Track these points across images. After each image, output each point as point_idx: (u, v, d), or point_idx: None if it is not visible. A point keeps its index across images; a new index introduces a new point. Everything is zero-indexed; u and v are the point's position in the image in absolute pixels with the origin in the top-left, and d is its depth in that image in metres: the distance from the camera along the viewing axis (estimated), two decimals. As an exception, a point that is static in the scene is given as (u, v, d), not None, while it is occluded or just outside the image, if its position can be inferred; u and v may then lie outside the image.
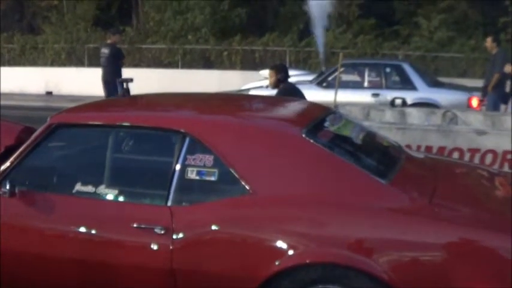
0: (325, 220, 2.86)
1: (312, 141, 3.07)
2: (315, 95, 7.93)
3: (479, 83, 10.34)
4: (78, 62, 18.78)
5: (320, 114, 3.58)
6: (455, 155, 5.44)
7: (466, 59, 16.00)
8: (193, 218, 2.96)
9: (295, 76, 10.28)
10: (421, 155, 4.10)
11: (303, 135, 3.08)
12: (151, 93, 4.60)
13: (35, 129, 3.59)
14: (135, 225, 2.99)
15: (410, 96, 9.40)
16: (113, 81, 9.12)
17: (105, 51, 10.25)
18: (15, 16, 21.62)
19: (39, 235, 3.16)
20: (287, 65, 12.47)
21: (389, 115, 6.86)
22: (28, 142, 3.31)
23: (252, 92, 9.74)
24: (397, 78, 10.13)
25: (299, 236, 2.80)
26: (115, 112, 3.59)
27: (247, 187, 2.93)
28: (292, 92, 6.26)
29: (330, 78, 9.93)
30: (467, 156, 5.41)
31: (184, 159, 3.05)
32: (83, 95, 14.52)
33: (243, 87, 11.23)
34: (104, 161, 3.32)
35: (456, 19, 17.60)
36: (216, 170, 3.00)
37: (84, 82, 16.03)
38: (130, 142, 3.57)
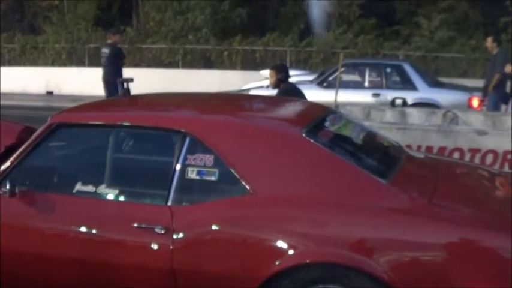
0: (326, 220, 2.86)
1: (312, 141, 3.07)
2: (315, 95, 7.93)
3: (479, 83, 10.34)
4: (79, 62, 18.78)
5: (320, 114, 3.58)
6: (456, 155, 5.44)
7: (466, 59, 15.99)
8: (193, 218, 2.96)
9: (295, 76, 10.28)
10: (421, 155, 4.10)
11: (303, 135, 3.09)
12: (151, 93, 4.60)
13: (35, 129, 3.59)
14: (135, 225, 2.99)
15: (410, 96, 9.40)
16: (113, 81, 9.12)
17: (105, 51, 10.25)
18: (15, 16, 21.64)
19: (40, 235, 3.16)
20: (287, 65, 12.50)
21: (389, 115, 6.86)
22: (28, 142, 3.32)
23: (252, 92, 9.73)
24: (397, 78, 10.13)
25: (299, 235, 2.80)
26: (115, 112, 3.59)
27: (247, 187, 2.93)
28: (293, 92, 6.26)
29: (330, 78, 9.93)
30: (467, 157, 5.41)
31: (185, 159, 3.06)
32: (83, 94, 14.53)
33: (244, 87, 11.23)
34: (104, 161, 3.32)
35: (457, 19, 17.59)
36: (216, 170, 3.00)
37: (85, 82, 16.02)
38: (131, 142, 3.57)
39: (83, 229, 3.09)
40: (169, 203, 3.01)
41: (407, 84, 9.78)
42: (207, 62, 18.12)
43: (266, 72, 9.38)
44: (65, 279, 3.15)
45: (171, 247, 2.92)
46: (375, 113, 6.93)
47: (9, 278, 3.22)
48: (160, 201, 3.04)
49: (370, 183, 2.94)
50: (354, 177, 2.97)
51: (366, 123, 4.83)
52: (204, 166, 3.02)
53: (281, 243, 2.79)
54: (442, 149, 5.45)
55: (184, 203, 3.02)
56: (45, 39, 19.46)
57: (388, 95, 9.51)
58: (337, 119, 3.60)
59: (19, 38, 19.70)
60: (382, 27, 17.93)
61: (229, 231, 2.90)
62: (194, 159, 3.04)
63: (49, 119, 3.38)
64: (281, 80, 6.42)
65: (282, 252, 2.78)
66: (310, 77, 11.24)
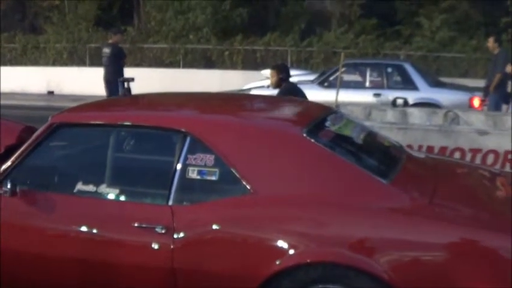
0: (326, 220, 2.86)
1: (312, 140, 3.07)
2: (316, 94, 7.94)
3: (480, 83, 10.34)
4: (80, 62, 18.80)
5: (321, 114, 3.58)
6: (457, 155, 5.43)
7: (467, 59, 16.00)
8: (194, 218, 2.96)
9: (296, 76, 10.29)
10: (422, 155, 4.10)
11: (304, 135, 3.08)
12: (152, 92, 4.60)
13: (36, 129, 3.59)
14: (136, 225, 2.99)
15: (411, 96, 9.40)
16: (114, 81, 9.13)
17: (106, 50, 10.25)
18: (17, 16, 21.66)
19: (40, 234, 3.16)
20: (288, 65, 12.50)
21: (390, 115, 6.86)
22: (29, 141, 3.32)
23: (253, 92, 9.73)
24: (398, 78, 10.12)
25: (300, 235, 2.80)
26: (116, 112, 3.59)
27: (248, 187, 2.93)
28: (294, 92, 6.26)
29: (331, 78, 9.93)
30: (468, 157, 5.41)
31: (185, 158, 3.05)
32: (84, 94, 14.55)
33: (245, 87, 11.23)
34: (105, 161, 3.32)
35: (458, 19, 17.59)
36: (217, 170, 3.00)
37: (86, 82, 16.04)
38: (132, 141, 3.56)
39: (84, 229, 3.09)
40: (170, 203, 3.01)
41: (408, 84, 9.78)
42: (207, 62, 18.13)
43: (267, 72, 9.40)
44: (65, 279, 3.15)
45: (172, 247, 2.92)
46: (375, 113, 6.92)
47: (9, 278, 3.22)
48: (161, 201, 3.04)
49: (370, 183, 2.93)
50: (355, 177, 2.97)
51: (367, 123, 4.83)
52: (205, 166, 3.02)
53: (281, 243, 2.79)
54: (443, 149, 5.44)
55: (185, 203, 3.02)
56: (46, 39, 19.49)
57: (389, 95, 9.51)
58: (338, 119, 3.60)
59: (20, 37, 19.73)
60: (383, 27, 17.95)
61: (229, 230, 2.90)
62: (195, 158, 3.04)
63: (50, 118, 3.38)
64: (282, 80, 6.43)
65: (282, 251, 2.78)
66: (311, 77, 11.24)
